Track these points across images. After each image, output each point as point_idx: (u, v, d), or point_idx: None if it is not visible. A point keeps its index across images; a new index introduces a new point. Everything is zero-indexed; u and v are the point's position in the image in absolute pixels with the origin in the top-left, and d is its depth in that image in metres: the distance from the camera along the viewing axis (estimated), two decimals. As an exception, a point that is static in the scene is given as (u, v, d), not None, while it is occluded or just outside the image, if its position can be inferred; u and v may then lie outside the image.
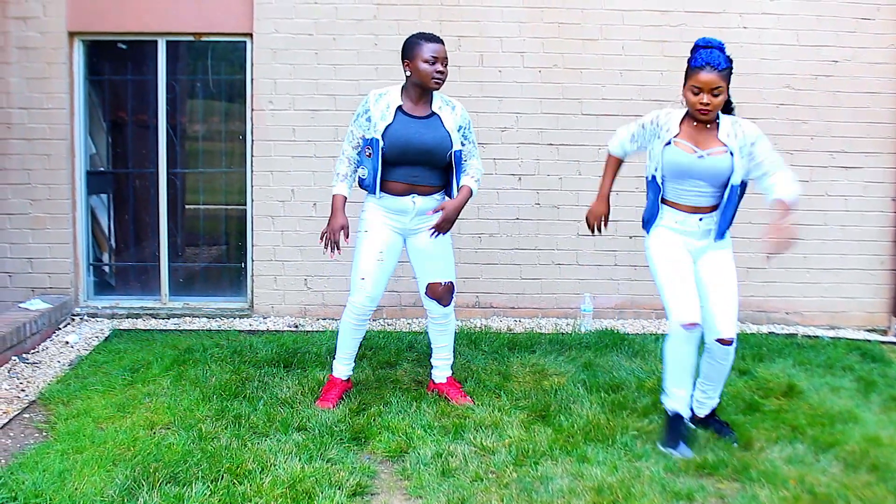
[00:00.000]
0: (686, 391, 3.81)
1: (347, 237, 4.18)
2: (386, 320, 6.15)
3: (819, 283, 6.28)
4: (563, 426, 4.01)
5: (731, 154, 3.76)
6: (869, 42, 6.12)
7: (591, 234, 4.18)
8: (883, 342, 5.84)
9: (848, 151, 6.18)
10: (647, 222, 3.98)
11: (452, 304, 4.42)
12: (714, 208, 3.84)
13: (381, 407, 4.24)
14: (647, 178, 3.96)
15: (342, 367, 4.38)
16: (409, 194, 4.16)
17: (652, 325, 6.13)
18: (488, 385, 4.62)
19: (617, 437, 3.89)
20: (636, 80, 6.08)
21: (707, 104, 3.66)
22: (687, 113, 3.81)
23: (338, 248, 4.15)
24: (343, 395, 4.35)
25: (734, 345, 3.84)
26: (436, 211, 4.20)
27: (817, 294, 6.29)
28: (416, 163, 4.12)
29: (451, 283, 4.38)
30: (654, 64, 6.07)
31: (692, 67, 3.69)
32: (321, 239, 4.18)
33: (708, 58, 3.66)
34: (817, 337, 5.87)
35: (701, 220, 3.84)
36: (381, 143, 4.05)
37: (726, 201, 3.81)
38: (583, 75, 6.09)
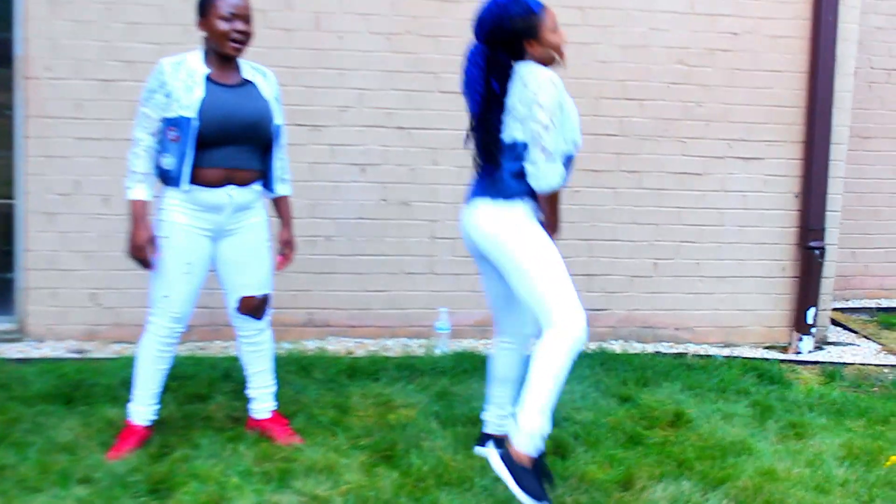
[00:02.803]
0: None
1: (157, 251, 4.13)
2: (196, 343, 6.16)
3: (713, 294, 6.68)
4: (411, 468, 4.14)
5: None
6: (772, 12, 6.52)
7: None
8: (782, 360, 6.27)
9: (747, 140, 6.60)
10: None
11: (268, 317, 4.49)
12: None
13: (189, 450, 4.25)
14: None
15: (142, 410, 4.31)
16: (225, 185, 4.14)
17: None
18: (322, 420, 4.71)
19: (475, 479, 4.04)
20: (503, 51, 6.29)
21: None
22: None
23: (150, 267, 4.12)
24: (145, 444, 4.31)
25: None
26: (283, 255, 4.47)
27: (711, 306, 6.69)
28: (237, 141, 4.12)
29: (268, 296, 4.44)
30: (523, 32, 6.29)
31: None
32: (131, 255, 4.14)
33: None
34: (710, 356, 6.26)
35: None
36: (192, 121, 4.00)
37: None
38: (440, 44, 6.26)
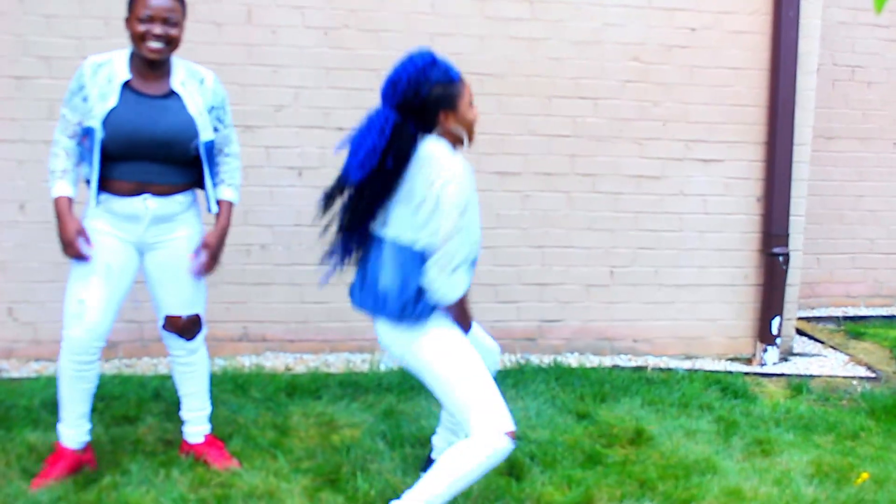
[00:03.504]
0: None
1: (90, 242, 4.07)
2: (123, 360, 6.10)
3: (672, 303, 6.74)
4: (357, 492, 4.15)
5: None
6: (732, 6, 6.59)
7: None
8: (746, 373, 6.35)
9: (707, 140, 6.66)
10: None
11: (201, 337, 4.44)
12: None
13: (118, 477, 4.22)
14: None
15: (70, 431, 4.25)
16: (139, 194, 4.08)
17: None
18: (261, 442, 4.69)
19: (426, 503, 4.06)
20: (450, 47, 6.29)
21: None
22: None
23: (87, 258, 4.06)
24: (78, 469, 4.24)
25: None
26: (198, 253, 4.25)
27: (670, 316, 6.76)
28: (148, 157, 4.05)
29: (198, 316, 4.39)
30: (473, 26, 6.32)
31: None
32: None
33: None
34: (670, 369, 6.32)
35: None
36: (96, 133, 3.94)
37: None
38: (382, 39, 6.26)
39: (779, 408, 5.57)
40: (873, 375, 6.47)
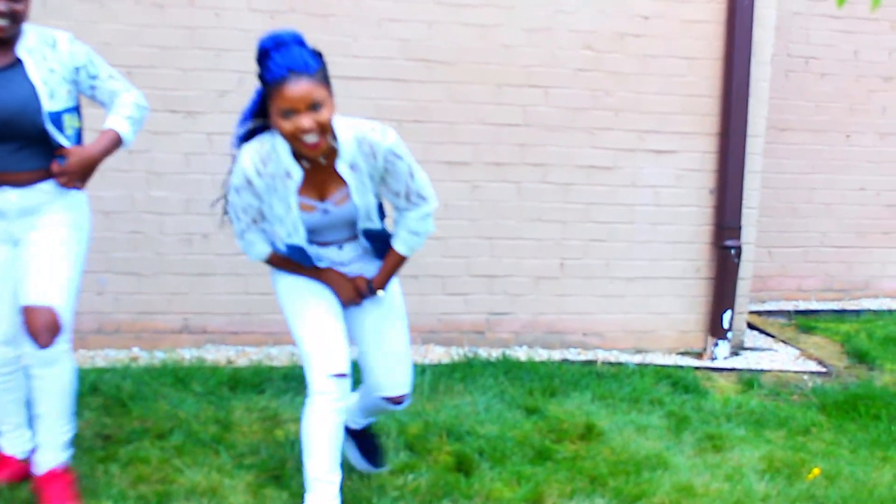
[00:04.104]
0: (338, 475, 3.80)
1: None
2: (57, 353, 6.05)
3: (623, 297, 6.82)
4: (302, 488, 4.15)
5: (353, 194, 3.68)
6: (687, -7, 6.67)
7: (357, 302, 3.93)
8: (697, 368, 6.46)
9: (660, 131, 6.74)
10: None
11: (59, 349, 3.80)
12: (354, 237, 3.85)
13: (53, 474, 4.23)
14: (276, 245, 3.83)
15: (10, 440, 4.14)
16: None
17: (417, 352, 6.40)
18: (203, 438, 4.70)
19: (374, 500, 4.10)
20: (399, 33, 6.32)
21: (309, 129, 3.38)
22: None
23: None
24: (24, 477, 4.06)
25: None
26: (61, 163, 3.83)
27: (621, 310, 6.84)
28: None
29: (53, 311, 3.76)
30: (422, 11, 6.33)
31: (269, 83, 3.39)
32: None
33: (287, 62, 3.36)
34: (621, 364, 6.40)
35: (340, 248, 3.82)
36: None
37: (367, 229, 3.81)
38: (329, 24, 6.26)
39: (730, 403, 5.67)
40: (824, 370, 6.60)
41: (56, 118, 3.78)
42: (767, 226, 7.97)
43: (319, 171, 3.58)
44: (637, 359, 6.60)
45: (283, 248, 3.73)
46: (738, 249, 6.75)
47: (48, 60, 3.80)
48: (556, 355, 6.56)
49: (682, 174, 6.80)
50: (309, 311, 3.77)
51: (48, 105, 3.75)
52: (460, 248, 6.53)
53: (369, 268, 3.91)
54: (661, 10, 6.64)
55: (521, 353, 6.53)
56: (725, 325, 6.79)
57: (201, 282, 6.26)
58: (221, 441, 4.68)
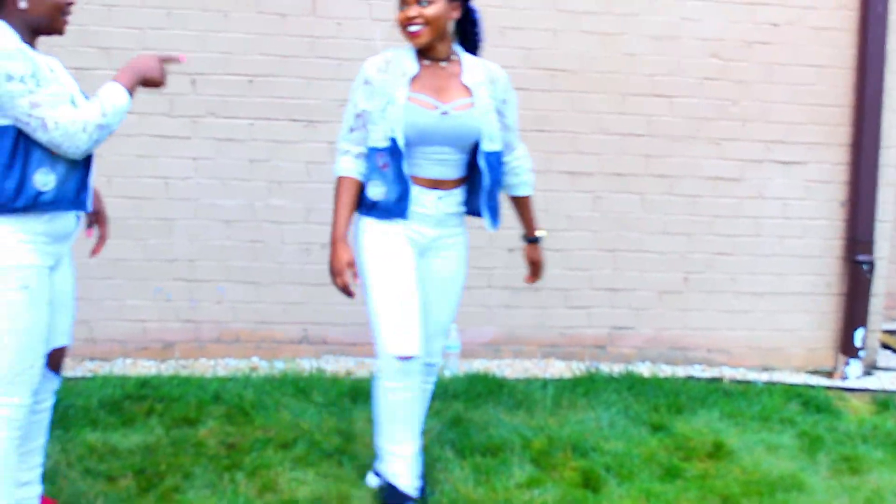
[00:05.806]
0: (411, 447, 4.09)
1: None
2: (180, 361, 6.18)
3: (750, 312, 6.71)
4: (427, 502, 4.16)
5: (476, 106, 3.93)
6: (816, 1, 6.53)
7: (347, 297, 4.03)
8: (828, 388, 6.30)
9: (787, 142, 6.62)
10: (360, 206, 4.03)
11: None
12: (460, 182, 4.02)
13: (180, 480, 4.27)
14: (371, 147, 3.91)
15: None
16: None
17: (537, 366, 6.39)
18: (325, 448, 4.73)
19: (500, 514, 4.09)
20: (521, 41, 6.31)
21: (414, 17, 3.80)
22: (419, 50, 3.94)
23: None
24: None
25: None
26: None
27: (747, 326, 6.72)
28: None
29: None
30: (544, 19, 6.32)
31: None
32: None
33: None
34: (748, 382, 6.29)
35: (440, 198, 3.97)
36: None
37: (483, 174, 3.95)
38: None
39: (865, 424, 5.50)
40: (962, 392, 6.39)
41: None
42: (901, 240, 7.78)
43: (441, 75, 3.93)
44: (764, 377, 6.48)
45: (377, 163, 3.88)
46: (871, 264, 6.58)
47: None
48: (680, 371, 6.48)
49: (812, 186, 6.66)
50: (388, 283, 3.94)
51: None
52: (582, 260, 6.49)
53: (449, 243, 4.10)
54: (791, 18, 6.53)
55: (644, 369, 6.45)
56: (858, 343, 6.62)
57: (320, 292, 6.28)
58: (344, 452, 4.69)
